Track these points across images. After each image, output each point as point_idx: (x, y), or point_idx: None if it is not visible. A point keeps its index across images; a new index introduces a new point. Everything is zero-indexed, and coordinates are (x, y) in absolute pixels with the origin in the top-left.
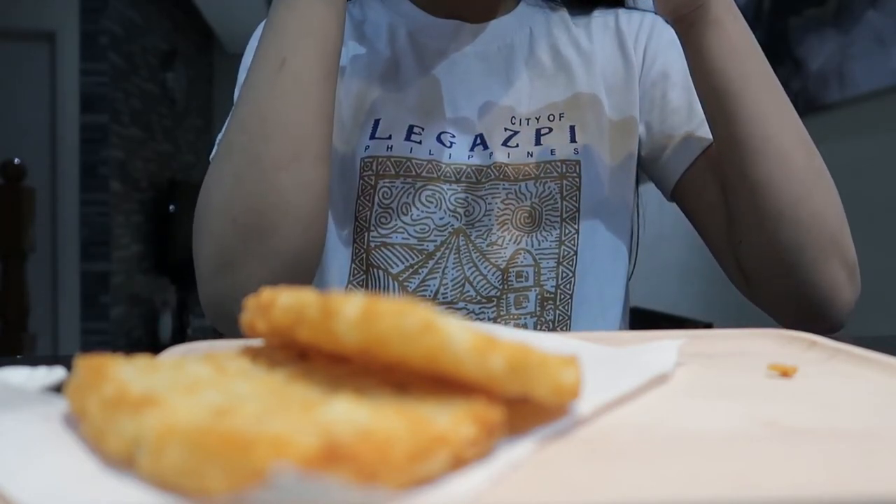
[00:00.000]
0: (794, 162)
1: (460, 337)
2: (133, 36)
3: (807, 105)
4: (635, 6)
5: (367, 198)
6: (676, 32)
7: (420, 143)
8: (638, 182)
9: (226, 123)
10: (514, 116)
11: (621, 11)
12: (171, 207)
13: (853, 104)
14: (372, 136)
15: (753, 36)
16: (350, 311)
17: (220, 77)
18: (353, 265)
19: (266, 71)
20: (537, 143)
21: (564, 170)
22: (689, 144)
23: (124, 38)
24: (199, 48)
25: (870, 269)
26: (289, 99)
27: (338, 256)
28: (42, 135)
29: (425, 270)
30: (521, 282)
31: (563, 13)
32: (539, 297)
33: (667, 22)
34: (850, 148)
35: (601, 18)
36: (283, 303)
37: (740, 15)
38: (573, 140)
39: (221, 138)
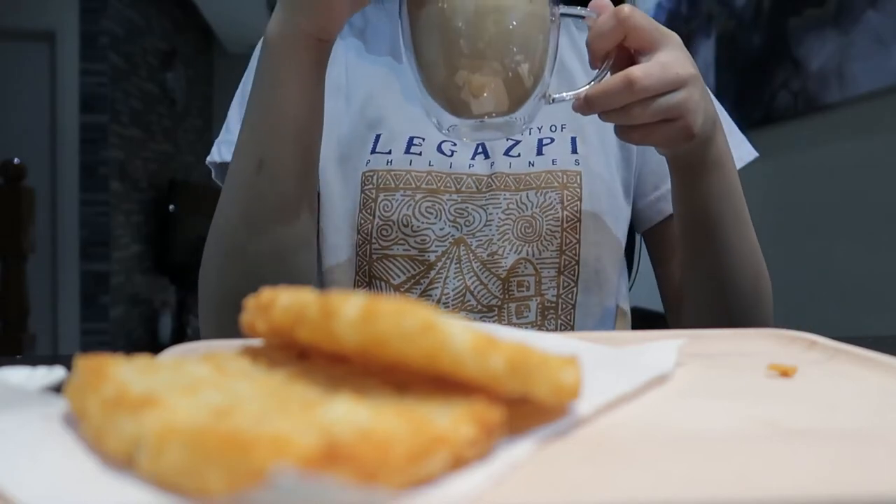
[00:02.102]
0: (745, 281)
1: (460, 337)
2: (133, 36)
3: (806, 105)
4: None
5: (369, 211)
6: (669, 166)
7: (420, 154)
8: None
9: (220, 201)
10: None
11: None
12: (171, 207)
13: (853, 104)
14: (373, 151)
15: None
16: (349, 312)
17: (220, 77)
18: (357, 277)
19: (245, 172)
20: (539, 152)
21: (565, 180)
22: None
23: (124, 38)
24: (198, 48)
25: (869, 270)
26: (268, 200)
27: (341, 269)
28: (42, 135)
29: (426, 281)
30: (522, 291)
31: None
32: (540, 306)
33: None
34: (849, 148)
35: None
36: (282, 303)
37: (729, 148)
38: (574, 151)
39: (213, 222)
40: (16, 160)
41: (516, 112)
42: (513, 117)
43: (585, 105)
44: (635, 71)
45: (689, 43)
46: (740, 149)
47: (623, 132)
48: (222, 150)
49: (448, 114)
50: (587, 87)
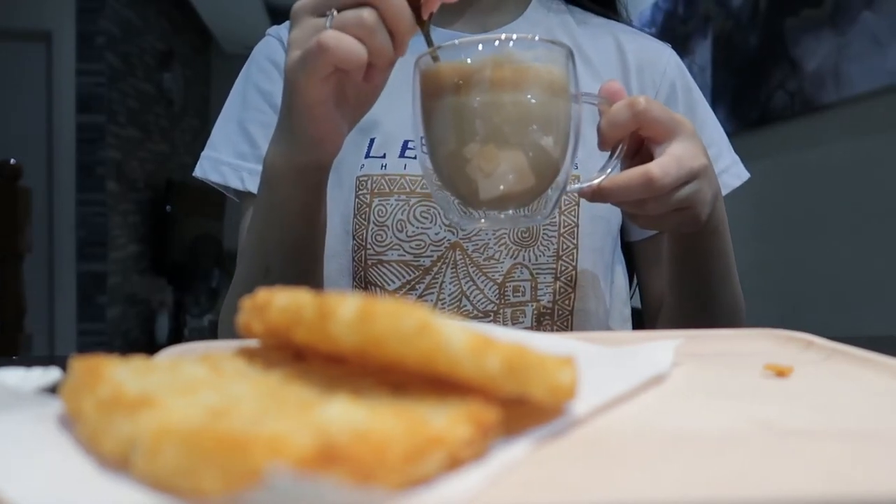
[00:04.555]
0: (723, 318)
1: (457, 338)
2: (130, 36)
3: (803, 105)
4: (629, 21)
5: (363, 216)
6: (668, 238)
7: (415, 157)
8: None
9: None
10: None
11: (621, 31)
12: (168, 208)
13: (849, 105)
14: (367, 155)
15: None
16: (346, 313)
17: (218, 77)
18: (354, 283)
19: (253, 276)
20: None
21: None
22: None
23: (121, 38)
24: (196, 48)
25: (866, 270)
26: None
27: (337, 275)
28: (38, 135)
29: (422, 286)
30: (518, 296)
31: (567, 17)
32: (535, 311)
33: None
34: (846, 148)
35: (607, 31)
36: (279, 304)
37: (725, 212)
38: (574, 153)
39: (224, 308)
40: (12, 160)
41: (535, 202)
42: (532, 208)
43: (598, 195)
44: (654, 169)
45: (687, 44)
46: (733, 169)
47: (632, 218)
48: (205, 167)
49: (465, 207)
50: (601, 177)
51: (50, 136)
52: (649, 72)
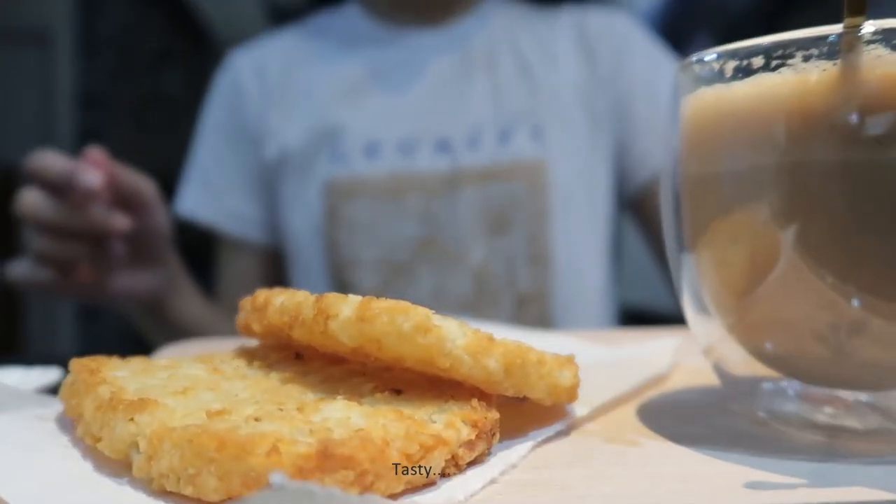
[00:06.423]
0: None
1: (457, 337)
2: (129, 36)
3: None
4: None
5: (334, 219)
6: None
7: (380, 158)
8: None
9: None
10: (476, 120)
11: (591, 11)
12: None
13: None
14: (332, 160)
15: None
16: (345, 312)
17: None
18: (331, 285)
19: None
20: (501, 144)
21: (530, 169)
22: (651, 156)
23: (120, 37)
24: (195, 47)
25: None
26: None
27: (315, 280)
28: (37, 135)
29: (399, 283)
30: (495, 285)
31: (528, 9)
32: (515, 298)
33: None
34: None
35: (568, 17)
36: (278, 303)
37: None
38: (538, 140)
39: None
40: (11, 159)
41: None
42: None
43: None
44: None
45: (686, 43)
46: None
47: None
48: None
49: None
50: None
51: (49, 137)
52: (600, 45)
